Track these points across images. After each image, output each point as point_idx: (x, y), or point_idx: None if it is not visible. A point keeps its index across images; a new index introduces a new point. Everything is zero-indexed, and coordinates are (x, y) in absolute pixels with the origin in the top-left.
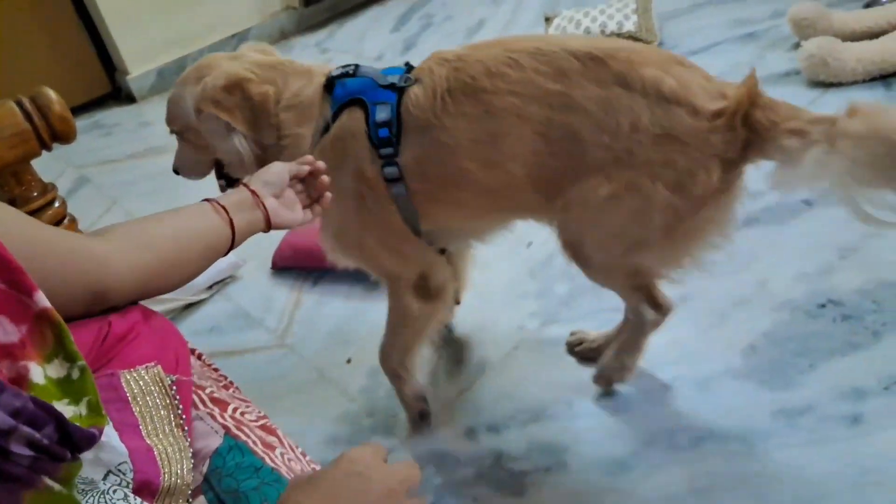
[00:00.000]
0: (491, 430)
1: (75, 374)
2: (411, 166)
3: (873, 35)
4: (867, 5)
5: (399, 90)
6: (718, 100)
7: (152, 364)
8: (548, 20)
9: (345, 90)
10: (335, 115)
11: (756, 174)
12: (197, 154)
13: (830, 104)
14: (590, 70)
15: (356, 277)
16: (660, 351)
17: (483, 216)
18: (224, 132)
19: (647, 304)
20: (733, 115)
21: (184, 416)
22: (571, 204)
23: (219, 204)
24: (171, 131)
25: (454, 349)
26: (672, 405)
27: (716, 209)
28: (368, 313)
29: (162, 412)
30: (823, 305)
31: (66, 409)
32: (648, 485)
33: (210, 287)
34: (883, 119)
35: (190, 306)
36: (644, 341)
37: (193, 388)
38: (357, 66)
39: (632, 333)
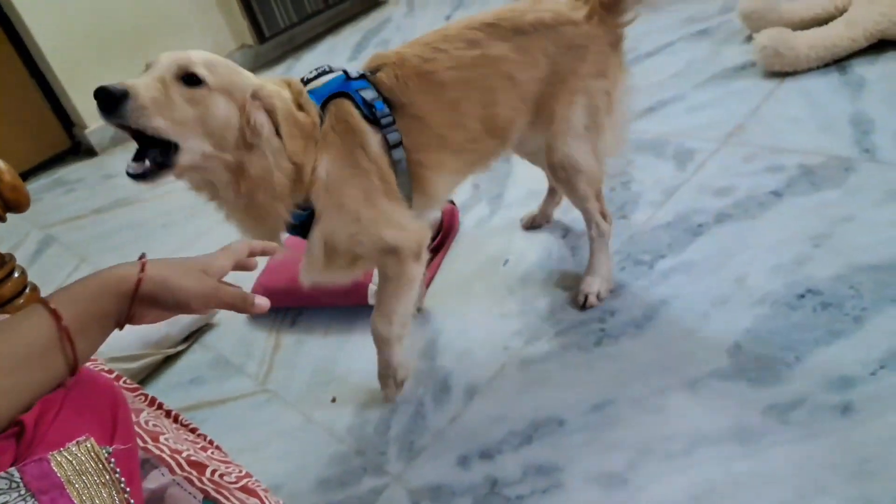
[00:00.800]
0: (484, 457)
1: None
2: (404, 138)
3: (822, 21)
4: None
5: (368, 79)
6: (582, 7)
7: (83, 438)
8: None
9: (321, 89)
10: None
11: (723, 172)
12: (193, 111)
13: (789, 93)
14: (491, 33)
15: (334, 313)
16: (644, 358)
17: (458, 173)
18: (269, 128)
19: (600, 216)
20: (599, 10)
21: (128, 489)
22: (553, 132)
23: (66, 332)
24: (194, 77)
25: (440, 376)
26: (663, 412)
27: (624, 81)
28: (349, 348)
29: (103, 492)
30: (802, 296)
31: None
32: (647, 496)
33: (187, 338)
34: None
35: (168, 359)
36: (608, 251)
37: (170, 453)
38: (329, 66)
39: (597, 248)
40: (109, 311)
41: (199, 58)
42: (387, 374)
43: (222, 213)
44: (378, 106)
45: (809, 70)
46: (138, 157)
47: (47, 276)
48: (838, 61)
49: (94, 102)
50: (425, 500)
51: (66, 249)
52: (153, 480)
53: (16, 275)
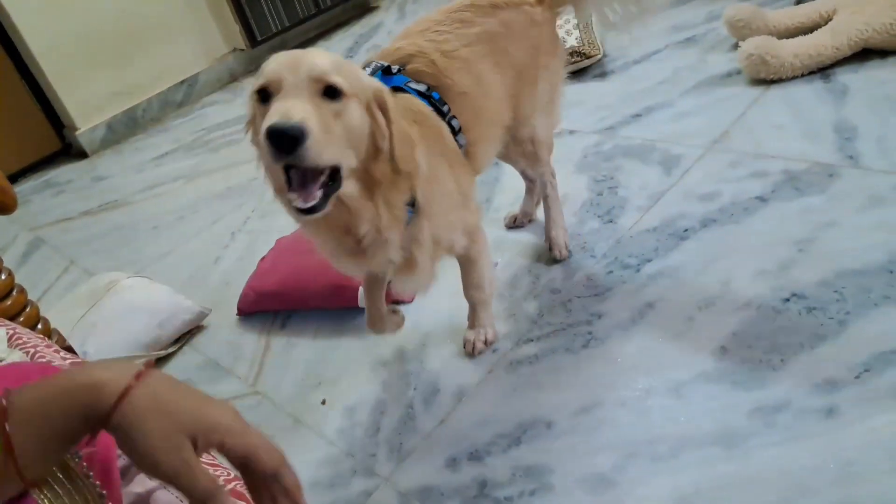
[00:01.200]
0: (473, 459)
1: None
2: (459, 117)
3: (807, 30)
4: (798, 2)
5: (405, 72)
6: None
7: None
8: None
9: None
10: None
11: (709, 177)
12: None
13: (774, 100)
14: (476, 12)
15: (324, 315)
16: (631, 361)
17: (492, 147)
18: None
19: (550, 176)
20: None
21: (104, 492)
22: (530, 105)
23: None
24: (334, 90)
25: (429, 379)
26: (649, 415)
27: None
28: (339, 351)
29: (77, 498)
30: (787, 300)
31: None
32: (633, 498)
33: (177, 340)
34: None
35: (158, 361)
36: (560, 205)
37: None
38: (377, 63)
39: (553, 203)
40: (75, 435)
41: (329, 64)
42: (479, 331)
43: (331, 247)
44: (435, 96)
45: (794, 78)
46: (299, 187)
47: (36, 278)
48: (822, 69)
49: (84, 104)
50: (415, 501)
51: (56, 251)
52: (139, 484)
53: (2, 277)
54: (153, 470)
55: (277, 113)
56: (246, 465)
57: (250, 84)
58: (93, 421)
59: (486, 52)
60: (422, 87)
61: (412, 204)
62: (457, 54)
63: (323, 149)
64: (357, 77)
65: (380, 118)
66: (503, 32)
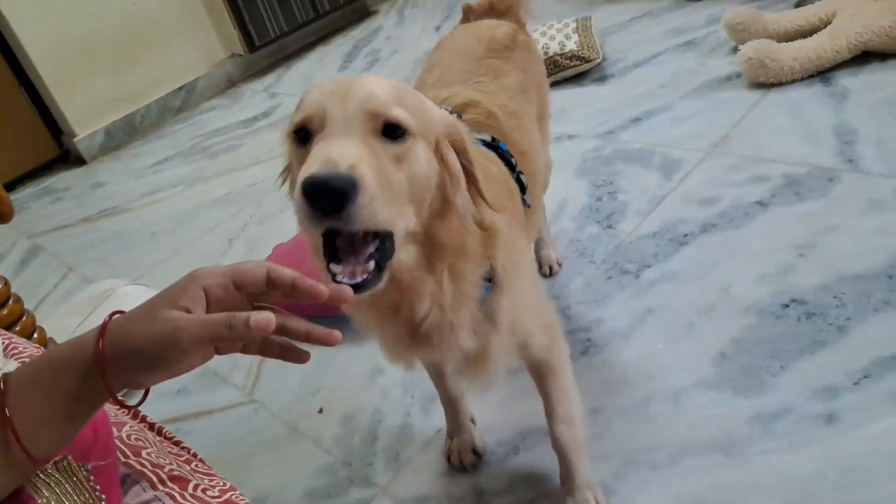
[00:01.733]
0: (471, 467)
1: None
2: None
3: (806, 33)
4: (797, 5)
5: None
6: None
7: (60, 458)
8: None
9: None
10: None
11: (709, 182)
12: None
13: (773, 104)
14: (500, 59)
15: (322, 323)
16: (630, 367)
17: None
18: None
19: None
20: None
21: None
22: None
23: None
24: (397, 128)
25: (427, 387)
26: (649, 423)
27: None
28: (336, 359)
29: None
30: (787, 305)
31: None
32: None
33: None
34: None
35: None
36: (547, 224)
37: (151, 468)
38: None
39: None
40: (76, 393)
41: (389, 93)
42: (585, 493)
43: (375, 329)
44: (502, 147)
45: (794, 81)
46: (346, 255)
47: (34, 285)
48: (822, 72)
49: (83, 110)
50: None
51: (54, 259)
52: (134, 496)
53: None
54: (157, 348)
55: (319, 158)
56: (241, 288)
57: (250, 90)
58: (86, 366)
59: (523, 103)
60: (486, 137)
61: (488, 279)
62: (508, 109)
63: (379, 207)
64: (424, 109)
65: (453, 162)
66: (524, 78)
